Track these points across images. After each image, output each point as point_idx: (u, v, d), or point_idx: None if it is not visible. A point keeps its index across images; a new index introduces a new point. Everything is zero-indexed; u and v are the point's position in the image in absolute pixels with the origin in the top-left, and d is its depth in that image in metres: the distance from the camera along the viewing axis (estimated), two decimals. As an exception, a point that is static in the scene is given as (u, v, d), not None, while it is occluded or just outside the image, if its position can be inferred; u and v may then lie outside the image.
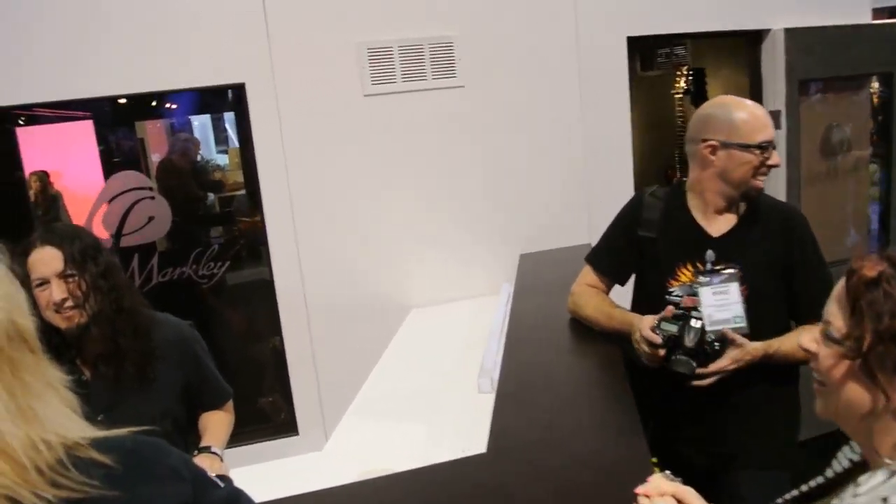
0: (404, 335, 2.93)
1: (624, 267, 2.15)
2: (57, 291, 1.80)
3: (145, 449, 0.95)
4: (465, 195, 3.25)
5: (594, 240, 3.21)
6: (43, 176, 3.24)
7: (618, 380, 1.85)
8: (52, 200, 3.30)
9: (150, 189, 3.08)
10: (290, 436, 3.23)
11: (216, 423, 2.09)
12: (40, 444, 0.81)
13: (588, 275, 2.19)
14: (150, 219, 3.04)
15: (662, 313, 1.82)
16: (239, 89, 2.99)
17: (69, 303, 1.81)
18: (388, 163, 3.15)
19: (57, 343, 1.83)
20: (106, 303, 1.85)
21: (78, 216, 3.13)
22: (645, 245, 2.04)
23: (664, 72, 4.40)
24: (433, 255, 3.25)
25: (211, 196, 3.49)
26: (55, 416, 0.86)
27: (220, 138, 3.76)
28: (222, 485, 1.05)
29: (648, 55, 4.29)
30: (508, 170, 3.26)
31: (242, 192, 3.40)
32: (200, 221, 3.38)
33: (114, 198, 3.02)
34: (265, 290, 3.20)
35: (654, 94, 4.56)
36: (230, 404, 2.17)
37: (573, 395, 1.84)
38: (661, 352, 1.79)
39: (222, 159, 3.72)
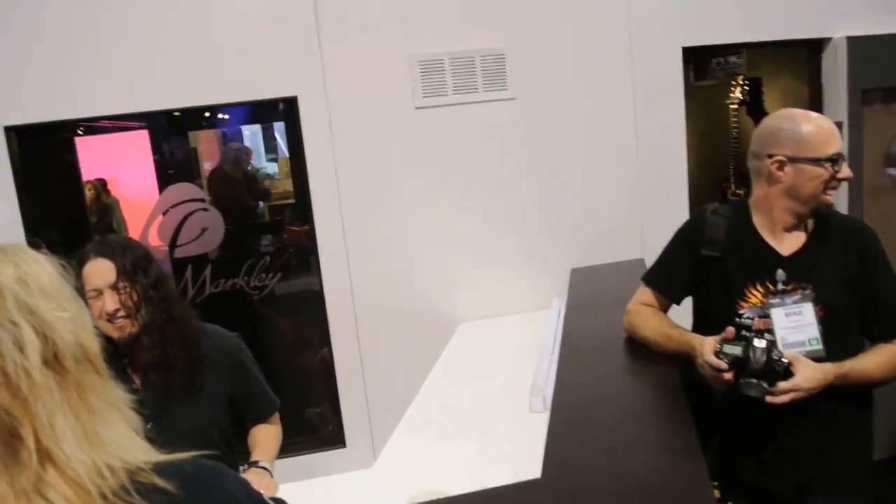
0: (453, 350, 2.90)
1: (683, 287, 2.08)
2: (109, 302, 1.86)
3: (206, 474, 0.94)
4: (516, 208, 3.21)
5: (647, 255, 3.18)
6: (98, 184, 3.31)
7: (676, 402, 1.79)
8: (106, 208, 3.37)
9: (204, 201, 3.11)
10: (338, 448, 3.22)
11: (266, 438, 2.10)
12: (105, 470, 0.81)
13: (645, 294, 2.12)
14: (204, 230, 3.08)
15: (723, 335, 1.75)
16: (291, 102, 3.01)
17: (121, 313, 1.87)
18: (439, 175, 3.14)
19: (109, 352, 1.83)
20: (156, 313, 1.90)
21: (133, 223, 3.20)
22: (709, 265, 1.96)
23: (718, 81, 4.30)
24: (483, 268, 3.22)
25: (261, 205, 3.52)
26: (119, 439, 0.85)
27: (270, 146, 3.79)
28: None
29: (702, 64, 4.19)
30: (560, 183, 3.22)
31: (292, 200, 3.43)
32: (251, 230, 3.40)
33: (168, 209, 3.06)
34: (315, 300, 3.21)
35: (707, 104, 4.46)
36: (277, 417, 2.18)
37: (629, 418, 1.79)
38: (729, 375, 1.73)
39: (272, 168, 3.74)
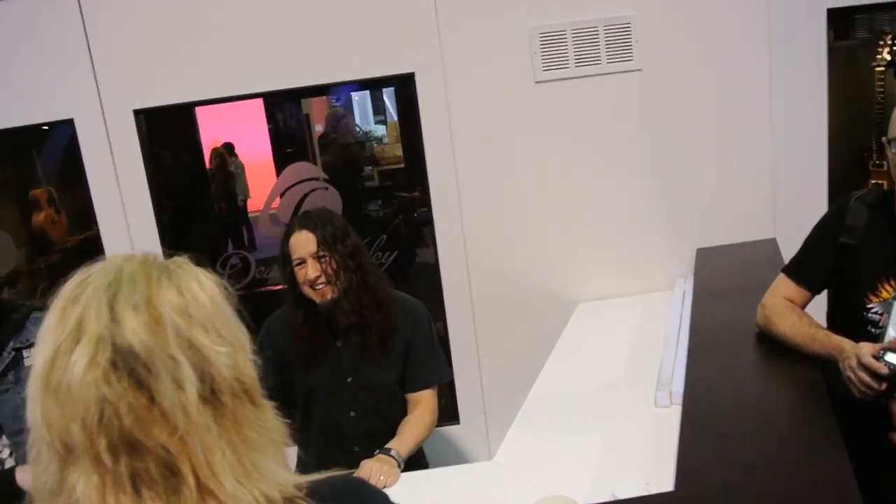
0: (572, 332, 2.82)
1: (825, 277, 1.95)
2: (311, 270, 2.09)
3: (354, 493, 0.95)
4: (639, 184, 3.07)
5: (780, 234, 2.99)
6: (224, 150, 3.39)
7: (821, 411, 1.66)
8: (231, 176, 3.47)
9: (324, 180, 3.14)
10: (452, 424, 3.24)
11: (413, 427, 2.18)
12: (263, 502, 0.80)
13: (784, 286, 1.99)
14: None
15: (887, 342, 1.61)
16: (408, 79, 2.97)
17: (321, 280, 2.10)
18: (559, 151, 3.03)
19: (315, 313, 2.18)
20: (353, 280, 2.12)
21: (252, 189, 3.34)
22: (845, 254, 1.84)
23: (862, 40, 3.95)
24: (603, 246, 3.10)
25: (369, 168, 3.52)
26: (275, 468, 0.84)
27: (378, 110, 3.78)
28: None
29: (844, 22, 3.85)
30: (686, 156, 3.04)
31: (401, 165, 3.42)
32: (361, 196, 3.41)
33: (288, 189, 3.11)
34: (430, 274, 3.20)
35: (848, 65, 4.11)
36: (434, 399, 2.29)
37: (771, 427, 1.67)
38: (883, 385, 1.60)
39: (380, 130, 3.72)
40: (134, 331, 0.76)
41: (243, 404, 0.82)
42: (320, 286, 2.11)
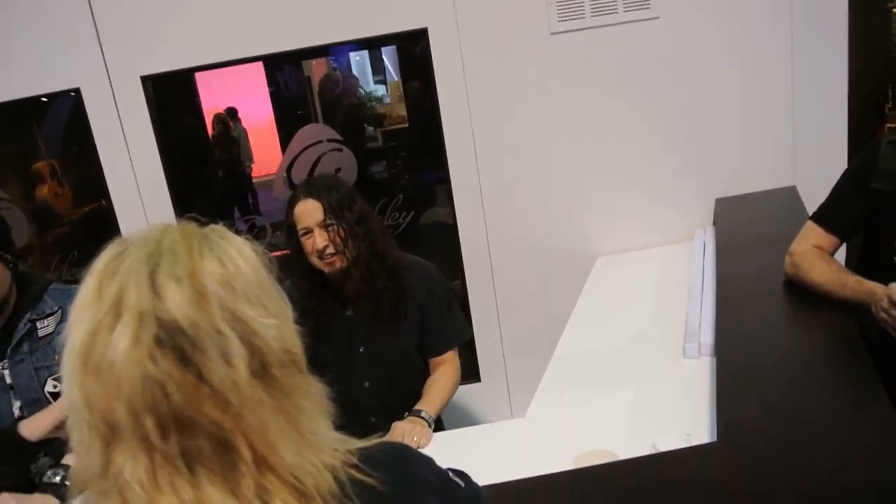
0: (593, 287, 2.81)
1: (854, 224, 1.94)
2: (319, 239, 2.01)
3: (399, 461, 0.92)
4: (656, 134, 3.02)
5: (799, 182, 2.96)
6: (226, 115, 3.34)
7: (856, 355, 1.65)
8: (233, 141, 3.42)
9: (337, 141, 3.10)
10: (473, 382, 3.25)
11: (439, 387, 2.17)
12: (323, 470, 0.79)
13: (813, 234, 1.97)
14: (338, 170, 3.08)
15: None
16: (420, 35, 2.90)
17: (330, 249, 2.02)
18: (575, 103, 2.97)
19: (321, 283, 2.12)
20: (362, 247, 2.04)
21: (255, 154, 3.33)
22: (877, 199, 1.82)
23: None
24: (621, 199, 3.07)
25: (371, 129, 3.47)
26: (329, 434, 0.83)
27: (378, 70, 3.71)
28: (463, 484, 1.01)
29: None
30: (704, 105, 2.98)
31: (405, 125, 3.36)
32: (367, 156, 3.34)
33: (302, 151, 3.07)
34: (446, 233, 3.18)
35: (863, 7, 4.03)
36: (456, 357, 2.29)
37: (809, 375, 1.67)
38: None
39: (380, 90, 3.66)
40: (178, 305, 0.73)
41: (293, 375, 0.80)
42: (328, 256, 2.03)
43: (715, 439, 1.50)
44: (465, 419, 3.06)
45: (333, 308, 2.16)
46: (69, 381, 0.75)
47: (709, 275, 2.50)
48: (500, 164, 3.03)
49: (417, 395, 2.15)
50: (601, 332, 2.45)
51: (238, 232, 0.86)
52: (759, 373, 1.69)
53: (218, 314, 0.74)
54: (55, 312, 1.97)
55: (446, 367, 2.25)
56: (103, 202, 3.10)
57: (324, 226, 2.01)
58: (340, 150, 3.07)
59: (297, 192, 2.08)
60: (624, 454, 1.59)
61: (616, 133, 3.01)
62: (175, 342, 0.72)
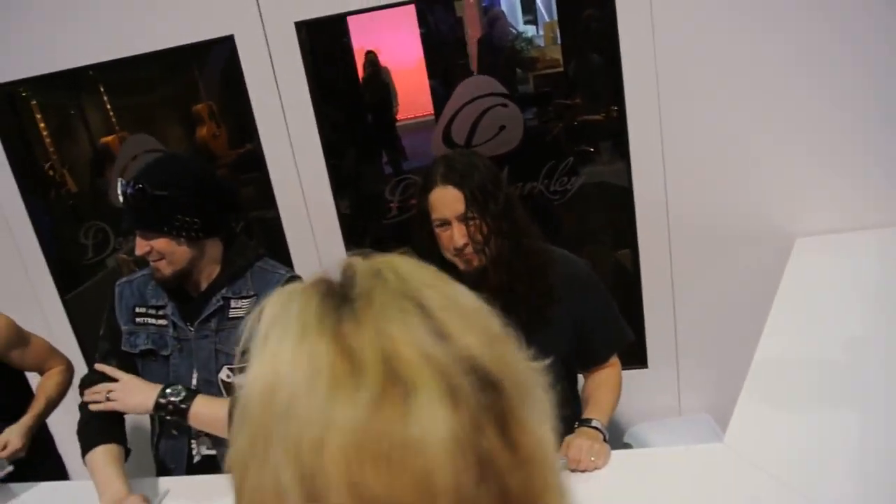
0: (794, 274, 2.37)
1: None
2: (458, 236, 1.79)
3: None
4: (872, 99, 2.48)
5: None
6: (375, 58, 3.19)
7: None
8: (383, 84, 3.23)
9: (504, 96, 2.79)
10: (639, 368, 2.92)
11: (607, 392, 1.95)
12: None
13: None
14: (502, 128, 2.78)
15: None
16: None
17: (469, 248, 1.80)
18: (779, 60, 2.49)
19: (454, 278, 1.76)
20: (504, 245, 1.82)
21: (403, 96, 3.17)
22: None
23: None
24: (826, 172, 2.56)
25: (520, 71, 3.12)
26: None
27: (528, 8, 3.35)
28: None
29: None
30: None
31: (560, 69, 3.02)
32: (518, 102, 2.98)
33: (464, 105, 2.79)
34: (615, 197, 2.84)
35: None
36: (617, 359, 2.04)
37: None
38: None
39: (531, 31, 3.30)
40: (477, 347, 0.54)
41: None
42: (467, 255, 1.82)
43: None
44: (625, 406, 2.72)
45: None
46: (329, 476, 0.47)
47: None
48: (688, 125, 2.59)
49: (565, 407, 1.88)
50: (809, 335, 2.05)
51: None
52: None
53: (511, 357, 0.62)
54: (251, 297, 1.89)
55: (611, 369, 2.03)
56: (249, 146, 3.09)
57: (464, 219, 1.78)
58: (506, 105, 2.77)
59: (434, 173, 1.82)
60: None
61: (821, 95, 2.49)
62: (490, 399, 0.54)
